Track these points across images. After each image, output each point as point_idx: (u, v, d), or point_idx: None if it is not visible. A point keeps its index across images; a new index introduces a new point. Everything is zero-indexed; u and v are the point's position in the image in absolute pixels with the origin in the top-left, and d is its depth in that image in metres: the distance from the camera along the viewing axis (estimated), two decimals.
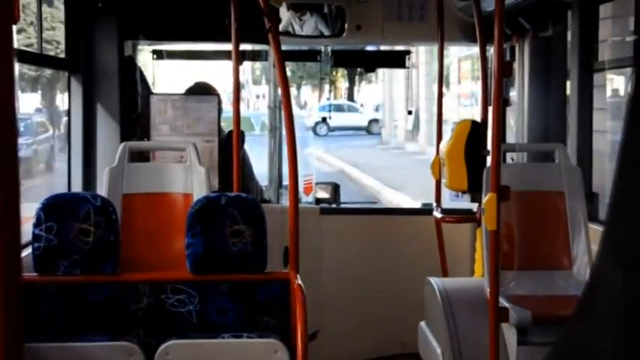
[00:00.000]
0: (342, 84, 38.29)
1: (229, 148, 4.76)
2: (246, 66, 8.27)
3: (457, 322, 4.27)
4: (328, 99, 25.96)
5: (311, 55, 6.22)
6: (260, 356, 3.32)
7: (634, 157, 0.88)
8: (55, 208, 3.45)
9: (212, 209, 3.51)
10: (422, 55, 22.10)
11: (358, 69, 25.70)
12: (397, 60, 6.39)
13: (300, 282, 3.53)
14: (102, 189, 4.39)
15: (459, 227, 5.54)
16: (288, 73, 5.81)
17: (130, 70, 5.43)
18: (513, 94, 5.70)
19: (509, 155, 5.27)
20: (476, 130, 5.06)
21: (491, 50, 4.82)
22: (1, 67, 1.09)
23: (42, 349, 3.22)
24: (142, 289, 3.53)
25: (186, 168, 4.38)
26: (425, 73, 23.06)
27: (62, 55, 5.32)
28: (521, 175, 4.51)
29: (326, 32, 5.89)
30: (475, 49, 5.28)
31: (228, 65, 4.98)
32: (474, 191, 4.95)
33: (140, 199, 4.32)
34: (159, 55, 5.89)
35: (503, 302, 3.81)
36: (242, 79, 5.59)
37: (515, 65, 5.47)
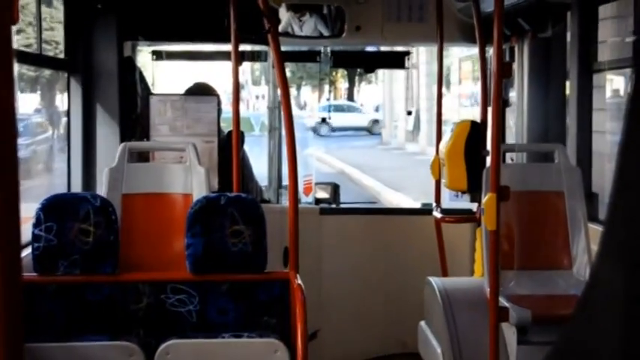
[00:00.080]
0: (342, 84, 38.29)
1: (229, 149, 4.76)
2: (246, 66, 8.28)
3: (457, 321, 4.27)
4: (328, 99, 25.98)
5: (310, 56, 6.22)
6: (260, 356, 3.32)
7: (634, 157, 0.88)
8: (54, 208, 3.45)
9: (212, 209, 3.51)
10: (422, 55, 22.06)
11: (358, 69, 25.69)
12: (396, 61, 6.39)
13: (299, 282, 3.53)
14: (101, 189, 4.39)
15: (458, 227, 5.54)
16: (288, 74, 5.82)
17: (129, 71, 5.43)
18: (513, 94, 5.70)
19: (508, 155, 5.27)
20: (475, 130, 5.06)
21: (491, 51, 4.82)
22: (1, 67, 1.09)
23: (42, 349, 3.22)
24: (141, 289, 3.53)
25: (186, 168, 4.38)
26: (425, 74, 23.04)
27: (61, 56, 5.32)
28: (520, 175, 4.51)
29: (325, 33, 5.88)
30: (476, 50, 5.28)
31: (227, 66, 4.98)
32: (474, 191, 4.95)
33: (140, 199, 4.32)
34: (158, 55, 5.89)
35: (503, 302, 3.81)
36: (242, 79, 5.59)
37: (515, 66, 5.47)
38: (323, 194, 6.23)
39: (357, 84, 38.13)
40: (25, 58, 4.75)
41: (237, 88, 4.71)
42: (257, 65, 7.35)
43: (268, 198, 5.91)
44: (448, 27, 5.55)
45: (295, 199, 3.79)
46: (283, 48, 4.05)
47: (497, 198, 3.56)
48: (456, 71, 23.06)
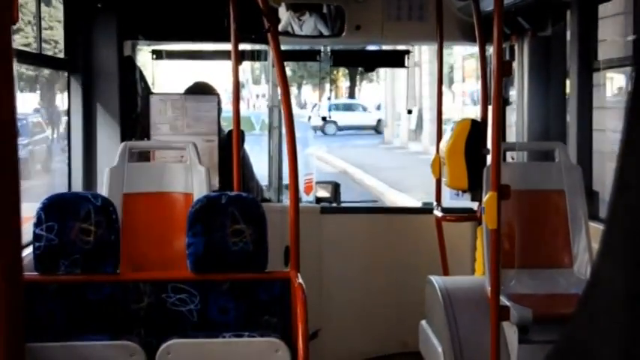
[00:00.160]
0: (343, 83, 38.28)
1: (229, 148, 4.76)
2: (246, 65, 8.25)
3: (458, 320, 4.27)
4: (329, 98, 25.96)
5: (310, 55, 6.21)
6: (261, 355, 3.32)
7: (634, 155, 0.88)
8: (55, 207, 3.45)
9: (212, 209, 3.51)
10: (425, 53, 22.01)
11: (359, 68, 25.66)
12: (397, 60, 6.39)
13: (300, 281, 3.53)
14: (102, 189, 4.39)
15: (459, 226, 5.54)
16: (289, 73, 5.82)
17: (129, 70, 5.43)
18: (513, 93, 5.70)
19: (509, 154, 5.27)
20: (476, 129, 5.06)
21: (491, 50, 4.82)
22: (1, 67, 1.09)
23: (43, 348, 3.22)
24: (142, 289, 3.53)
25: (187, 167, 4.38)
26: (428, 72, 22.99)
27: (60, 55, 5.32)
28: (521, 173, 4.51)
29: (325, 32, 5.88)
30: None
31: (227, 65, 4.98)
32: (474, 190, 4.95)
33: (140, 198, 4.33)
34: (158, 55, 5.89)
35: (504, 301, 3.81)
36: (242, 78, 5.60)
37: (515, 64, 5.47)
38: (324, 193, 6.23)
39: (358, 82, 38.11)
40: (25, 57, 4.75)
41: (237, 87, 4.71)
42: (257, 64, 7.33)
43: (269, 197, 5.91)
44: (448, 26, 5.55)
45: (296, 198, 3.79)
46: (283, 47, 4.05)
47: (497, 197, 3.56)
48: (459, 69, 23.04)
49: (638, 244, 0.86)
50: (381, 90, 32.64)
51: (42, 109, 13.61)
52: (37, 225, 3.42)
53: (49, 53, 5.64)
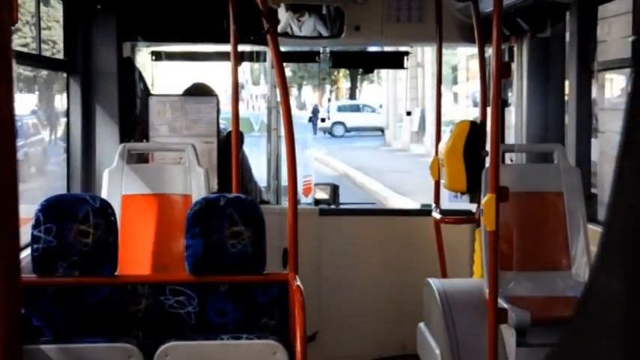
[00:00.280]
0: (344, 84, 38.26)
1: (228, 149, 4.75)
2: (245, 66, 8.25)
3: (456, 323, 4.27)
4: (329, 100, 25.93)
5: (310, 56, 6.21)
6: (259, 358, 3.32)
7: (633, 157, 0.88)
8: (54, 209, 3.44)
9: (211, 210, 3.51)
10: (428, 54, 21.96)
11: (360, 69, 25.57)
12: (396, 61, 6.38)
13: (299, 283, 3.52)
14: (101, 190, 4.39)
15: (458, 228, 5.54)
16: (289, 74, 5.82)
17: (128, 72, 5.43)
18: (512, 94, 5.70)
19: (508, 156, 5.27)
20: (475, 130, 5.06)
21: (490, 51, 4.82)
22: (0, 68, 1.09)
23: (41, 350, 3.22)
24: (141, 291, 3.53)
25: (185, 169, 4.37)
26: (431, 73, 22.94)
27: (59, 55, 5.32)
28: (520, 175, 4.51)
29: (325, 33, 5.88)
30: None
31: (227, 66, 4.97)
32: (473, 192, 4.95)
33: (139, 200, 4.32)
34: (157, 56, 5.89)
35: (502, 303, 3.81)
36: (241, 79, 5.59)
37: (514, 66, 5.47)
38: (322, 195, 6.23)
39: (359, 84, 38.09)
40: (24, 59, 4.75)
41: (236, 88, 4.71)
42: (256, 65, 7.32)
43: (268, 199, 5.90)
44: (447, 27, 5.55)
45: (295, 200, 3.78)
46: (282, 48, 4.05)
47: (496, 199, 3.56)
48: (463, 70, 22.97)
49: (637, 246, 0.86)
50: (382, 91, 32.57)
51: (39, 110, 13.58)
52: (35, 227, 3.42)
53: (48, 53, 5.64)
